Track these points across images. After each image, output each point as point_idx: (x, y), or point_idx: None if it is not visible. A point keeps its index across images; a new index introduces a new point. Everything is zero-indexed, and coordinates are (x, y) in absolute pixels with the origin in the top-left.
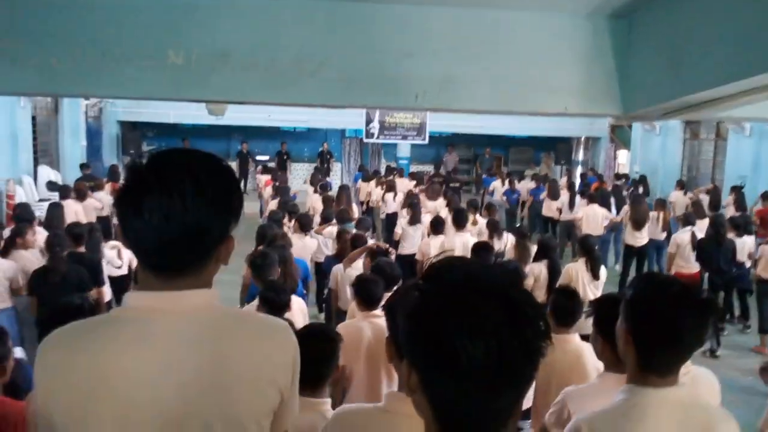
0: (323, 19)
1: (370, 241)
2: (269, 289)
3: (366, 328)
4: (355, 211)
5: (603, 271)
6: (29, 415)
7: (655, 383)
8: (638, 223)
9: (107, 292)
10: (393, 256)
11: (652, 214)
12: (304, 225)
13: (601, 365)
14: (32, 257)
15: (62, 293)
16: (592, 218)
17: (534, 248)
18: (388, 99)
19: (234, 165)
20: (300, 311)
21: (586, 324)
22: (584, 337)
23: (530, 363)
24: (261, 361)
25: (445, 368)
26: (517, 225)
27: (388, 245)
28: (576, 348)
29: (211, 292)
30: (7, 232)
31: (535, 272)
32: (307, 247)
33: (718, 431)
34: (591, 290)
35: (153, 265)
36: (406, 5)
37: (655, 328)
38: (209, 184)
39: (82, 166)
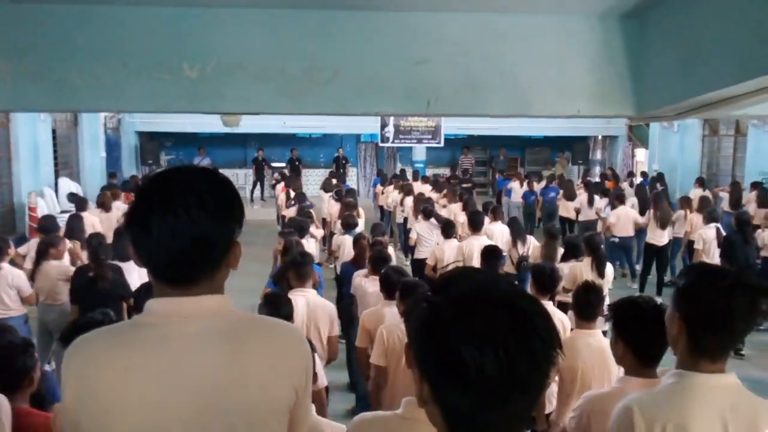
0: (335, 28)
1: (390, 248)
2: (269, 304)
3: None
4: (362, 215)
5: (609, 270)
6: (56, 427)
7: (705, 368)
8: (663, 222)
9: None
10: (408, 261)
11: (678, 212)
12: (300, 230)
13: None
14: (65, 267)
15: (106, 301)
16: (624, 219)
17: (561, 249)
18: (400, 106)
19: (251, 172)
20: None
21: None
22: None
23: (539, 372)
24: (276, 359)
25: (455, 378)
26: (536, 226)
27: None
28: (599, 341)
29: (225, 298)
30: (32, 244)
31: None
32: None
33: (765, 420)
34: None
35: (167, 279)
36: (416, 13)
37: (709, 312)
38: (211, 197)
39: (110, 175)
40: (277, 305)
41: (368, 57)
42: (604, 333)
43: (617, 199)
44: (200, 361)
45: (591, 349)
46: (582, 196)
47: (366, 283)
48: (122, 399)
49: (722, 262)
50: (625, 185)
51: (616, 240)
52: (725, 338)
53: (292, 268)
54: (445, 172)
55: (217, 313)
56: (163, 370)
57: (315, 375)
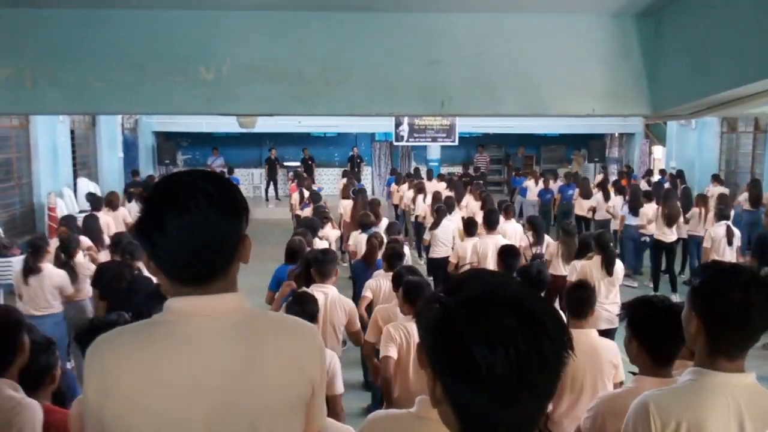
0: (349, 29)
1: (405, 247)
2: (296, 302)
3: (415, 330)
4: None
5: (619, 268)
6: (72, 418)
7: (723, 367)
8: (670, 220)
9: None
10: (422, 261)
11: (694, 210)
12: (312, 229)
13: (618, 361)
14: (87, 264)
15: (134, 296)
16: (652, 216)
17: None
18: (414, 107)
19: (264, 171)
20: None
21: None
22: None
23: (549, 373)
24: (292, 356)
25: (467, 378)
26: (552, 224)
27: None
28: (592, 340)
29: (241, 296)
30: (53, 243)
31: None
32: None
33: None
34: (605, 286)
35: (187, 278)
36: (429, 14)
37: (726, 310)
38: (218, 195)
39: (133, 173)
40: (302, 303)
41: (381, 58)
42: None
43: (645, 196)
44: (220, 359)
45: (584, 348)
46: (598, 194)
47: (382, 281)
48: (144, 397)
49: (752, 261)
50: (642, 183)
51: (647, 239)
52: (743, 336)
53: (315, 265)
54: (459, 170)
55: (234, 311)
56: (184, 368)
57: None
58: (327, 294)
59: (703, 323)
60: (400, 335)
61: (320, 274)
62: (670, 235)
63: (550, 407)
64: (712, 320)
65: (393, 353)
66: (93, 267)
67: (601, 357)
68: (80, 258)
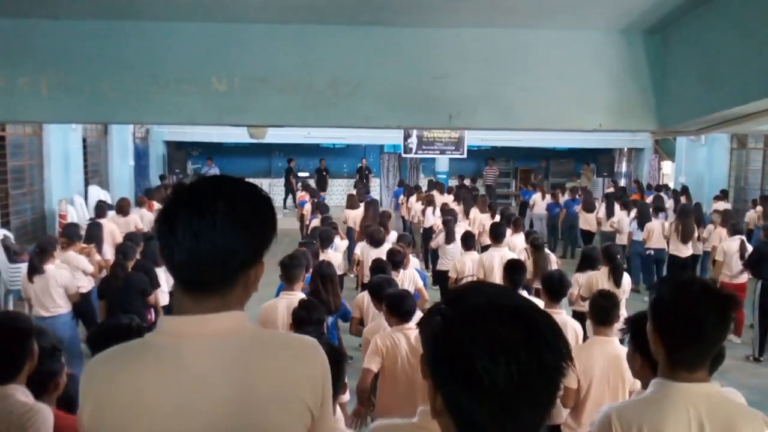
0: (358, 43)
1: (413, 259)
2: (303, 308)
3: (402, 339)
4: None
5: (626, 280)
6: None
7: (683, 378)
8: (685, 237)
9: (162, 298)
10: (429, 273)
11: (709, 227)
12: (325, 240)
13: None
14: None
15: (126, 296)
16: (658, 232)
17: (552, 258)
18: (422, 119)
19: (275, 182)
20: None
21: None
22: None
23: (549, 384)
24: (288, 381)
25: (468, 390)
26: (559, 239)
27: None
28: (615, 349)
29: (240, 315)
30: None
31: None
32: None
33: (742, 427)
34: None
35: (183, 280)
36: (439, 28)
37: (679, 324)
38: (242, 208)
39: (161, 177)
40: (309, 309)
41: (390, 71)
42: (621, 341)
43: (654, 211)
44: (212, 386)
45: (607, 356)
46: (602, 207)
47: (368, 296)
48: (135, 422)
49: (748, 273)
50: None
51: (651, 252)
52: (698, 349)
53: (281, 270)
54: (467, 182)
55: (232, 332)
56: (175, 392)
57: (345, 384)
58: (291, 301)
59: (660, 336)
60: (387, 346)
61: (287, 280)
62: (685, 251)
63: (569, 418)
64: (668, 334)
65: (374, 366)
66: (85, 261)
67: (624, 365)
68: (72, 254)
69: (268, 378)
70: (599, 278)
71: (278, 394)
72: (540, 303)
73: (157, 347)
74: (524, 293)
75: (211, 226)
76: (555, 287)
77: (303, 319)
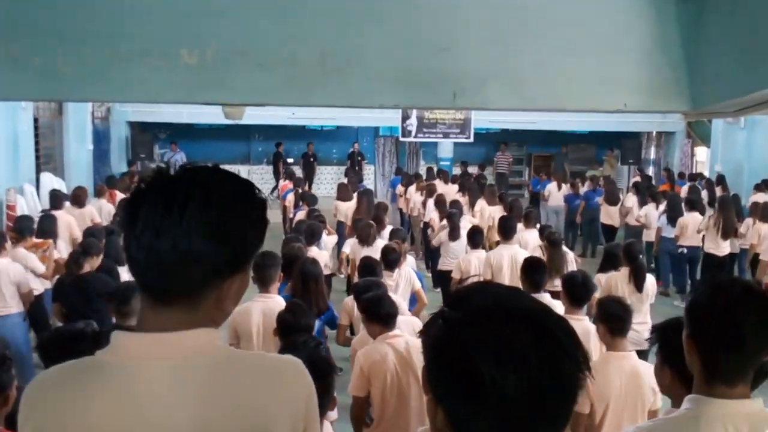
0: (350, 11)
1: (409, 256)
2: (288, 311)
3: (389, 352)
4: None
5: (650, 282)
6: None
7: (722, 394)
8: (726, 231)
9: None
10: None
11: (747, 220)
12: (311, 235)
13: (657, 387)
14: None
15: (88, 300)
16: (693, 227)
17: (570, 256)
18: (422, 98)
19: (254, 168)
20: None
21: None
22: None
23: (565, 396)
24: (261, 414)
25: (472, 402)
26: (579, 234)
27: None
28: (633, 365)
29: (207, 333)
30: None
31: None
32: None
33: None
34: (633, 304)
35: (141, 284)
36: None
37: (715, 330)
38: (220, 209)
39: (129, 164)
40: (295, 313)
41: (386, 43)
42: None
43: (688, 204)
44: (169, 413)
45: (624, 375)
46: (633, 197)
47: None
48: None
49: None
50: (684, 189)
51: (684, 251)
52: (738, 359)
53: (253, 270)
54: (475, 170)
55: (196, 354)
56: (126, 423)
57: (334, 399)
58: (267, 306)
59: (696, 345)
60: (372, 364)
61: (261, 282)
62: (723, 249)
63: None
64: (703, 342)
65: (362, 393)
66: (35, 260)
67: (643, 382)
68: (21, 251)
69: (238, 411)
70: (619, 281)
71: (250, 424)
72: (558, 307)
73: (108, 369)
74: (546, 297)
75: (176, 224)
76: (578, 291)
77: (289, 325)
